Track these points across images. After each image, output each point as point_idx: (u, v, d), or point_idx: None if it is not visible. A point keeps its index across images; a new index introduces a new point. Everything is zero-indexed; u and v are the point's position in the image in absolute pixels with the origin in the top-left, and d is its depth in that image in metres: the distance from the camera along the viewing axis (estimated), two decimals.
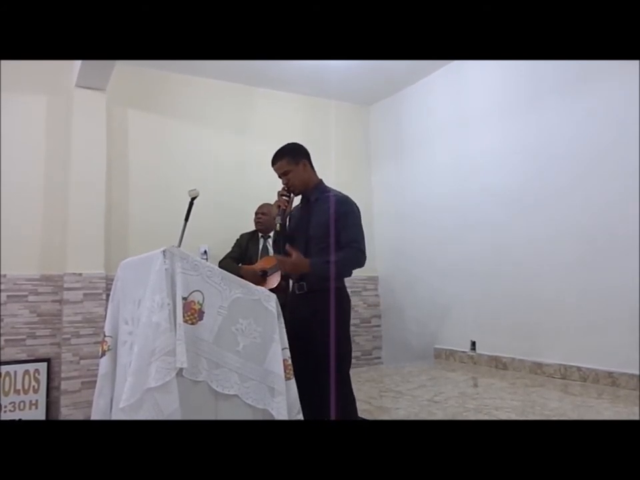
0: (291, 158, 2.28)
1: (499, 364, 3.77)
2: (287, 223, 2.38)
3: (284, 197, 2.27)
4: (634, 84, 2.98)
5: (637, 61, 2.93)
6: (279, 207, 2.25)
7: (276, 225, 2.24)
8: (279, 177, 2.32)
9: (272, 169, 2.35)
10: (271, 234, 3.93)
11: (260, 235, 3.95)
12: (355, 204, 2.31)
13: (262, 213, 3.92)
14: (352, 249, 2.20)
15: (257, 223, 3.94)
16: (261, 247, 3.91)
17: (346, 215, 2.23)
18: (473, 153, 4.10)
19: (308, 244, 2.23)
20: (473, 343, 4.02)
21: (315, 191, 2.32)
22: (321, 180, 2.38)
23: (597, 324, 3.13)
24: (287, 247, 2.14)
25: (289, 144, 2.35)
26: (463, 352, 4.09)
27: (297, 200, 2.44)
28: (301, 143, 2.42)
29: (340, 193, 2.34)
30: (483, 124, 4.02)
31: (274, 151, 2.33)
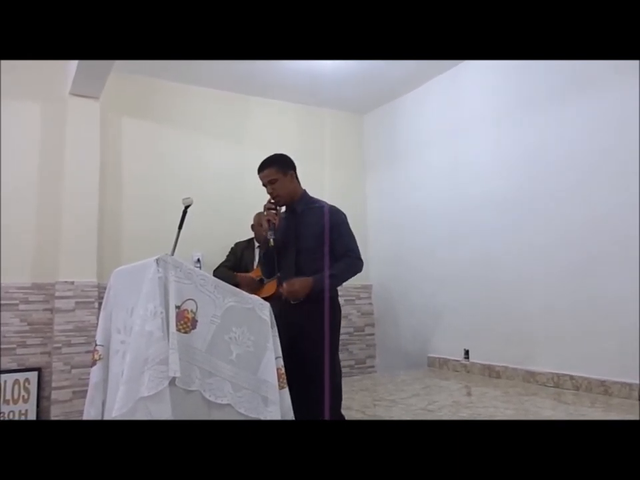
0: (279, 167, 2.28)
1: (492, 372, 3.78)
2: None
3: (272, 211, 2.26)
4: (631, 89, 3.01)
5: (633, 65, 2.96)
6: (269, 221, 2.23)
7: (269, 240, 2.22)
8: (264, 185, 2.31)
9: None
10: None
11: (257, 244, 3.94)
12: (344, 213, 2.33)
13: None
14: (350, 258, 2.25)
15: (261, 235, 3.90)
16: (257, 255, 3.89)
17: (338, 225, 2.26)
18: (467, 160, 4.13)
19: (298, 256, 2.24)
20: (467, 352, 4.03)
21: (301, 202, 2.33)
22: (305, 190, 2.39)
23: (590, 332, 3.14)
24: (284, 285, 2.16)
25: (277, 154, 2.35)
26: (457, 360, 4.09)
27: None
28: (295, 151, 2.43)
29: (327, 203, 2.34)
30: (478, 132, 4.05)
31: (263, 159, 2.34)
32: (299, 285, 2.14)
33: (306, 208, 2.32)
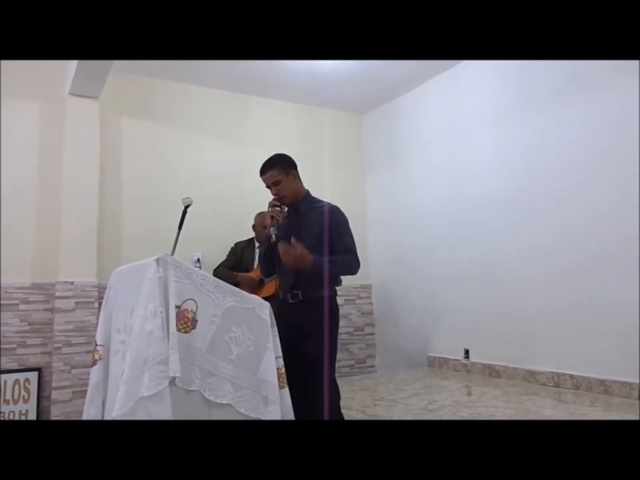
0: (281, 168, 2.29)
1: (492, 372, 3.78)
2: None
3: (277, 208, 2.28)
4: (631, 89, 3.00)
5: (633, 65, 2.96)
6: (273, 217, 2.26)
7: (271, 236, 2.24)
8: (268, 187, 2.33)
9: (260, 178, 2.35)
10: None
11: (258, 244, 3.94)
12: (344, 213, 2.35)
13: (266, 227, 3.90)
14: (349, 256, 2.25)
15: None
16: (257, 255, 3.89)
17: (339, 225, 2.28)
18: (467, 160, 4.13)
19: None
20: (467, 351, 4.03)
21: (304, 202, 2.36)
22: (308, 190, 2.41)
23: (590, 332, 3.14)
24: (293, 240, 2.11)
25: (277, 154, 2.37)
26: (457, 360, 4.09)
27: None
28: (295, 151, 2.43)
29: (329, 203, 2.36)
30: (477, 132, 4.05)
31: (264, 161, 2.34)
32: (300, 250, 2.10)
33: (309, 207, 2.34)
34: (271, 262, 2.34)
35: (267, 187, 2.33)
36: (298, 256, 2.10)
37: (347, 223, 2.32)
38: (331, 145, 4.99)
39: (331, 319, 2.19)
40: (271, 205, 2.29)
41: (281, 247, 2.13)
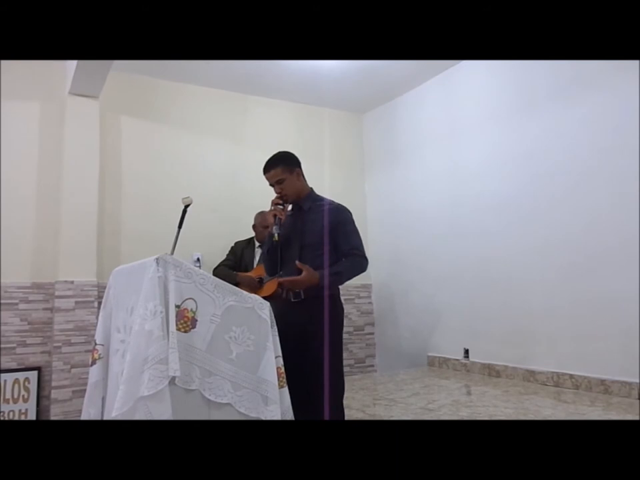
0: (285, 166, 2.28)
1: (492, 371, 3.78)
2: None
3: (279, 206, 2.27)
4: (629, 90, 3.01)
5: (634, 65, 2.96)
6: (275, 216, 2.25)
7: (274, 234, 2.24)
8: (271, 185, 2.31)
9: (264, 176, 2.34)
10: None
11: (258, 244, 3.94)
12: (350, 211, 2.34)
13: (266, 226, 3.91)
14: (355, 256, 2.25)
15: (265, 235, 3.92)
16: (258, 255, 3.90)
17: (344, 223, 2.27)
18: (466, 161, 4.13)
19: (302, 251, 2.24)
20: (466, 351, 4.03)
21: (308, 200, 2.34)
22: (311, 188, 2.39)
23: (590, 332, 3.15)
24: (298, 263, 2.12)
25: (281, 152, 2.35)
26: (456, 359, 4.09)
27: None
28: (294, 150, 2.42)
29: (333, 201, 2.35)
30: (477, 132, 4.05)
31: (267, 159, 2.33)
32: (306, 276, 2.12)
33: (313, 205, 2.32)
34: (274, 260, 2.33)
35: (271, 185, 2.32)
36: (305, 281, 2.11)
37: (352, 221, 2.31)
38: (331, 144, 4.99)
39: (334, 317, 2.19)
40: (274, 204, 2.29)
41: (287, 281, 2.14)
